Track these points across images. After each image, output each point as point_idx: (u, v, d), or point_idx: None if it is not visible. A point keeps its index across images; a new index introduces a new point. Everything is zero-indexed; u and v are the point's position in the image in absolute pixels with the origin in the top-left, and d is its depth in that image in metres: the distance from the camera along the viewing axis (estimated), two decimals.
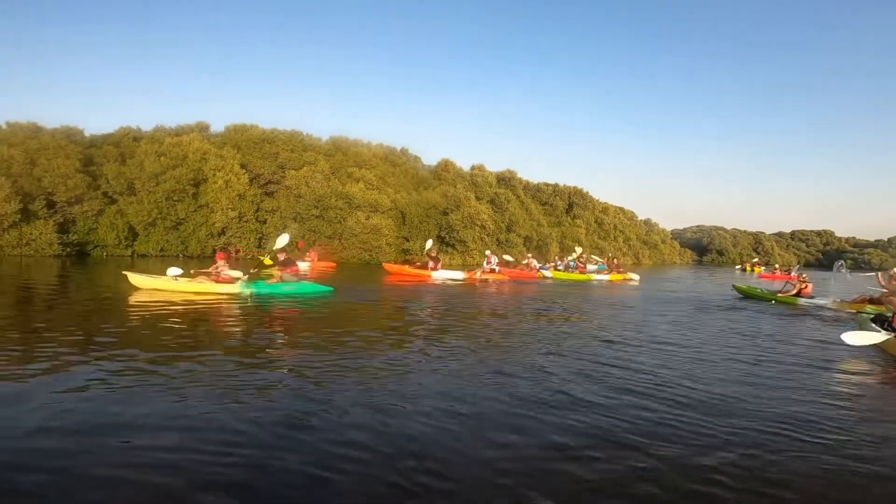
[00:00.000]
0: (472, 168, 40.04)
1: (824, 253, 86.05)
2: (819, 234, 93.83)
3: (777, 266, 32.75)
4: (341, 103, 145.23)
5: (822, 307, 14.49)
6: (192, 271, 12.06)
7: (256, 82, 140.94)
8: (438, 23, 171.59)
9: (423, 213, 31.86)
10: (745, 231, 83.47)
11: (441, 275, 19.61)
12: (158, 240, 26.01)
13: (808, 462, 4.09)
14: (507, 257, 25.69)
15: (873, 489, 3.71)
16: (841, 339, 8.23)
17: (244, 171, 28.31)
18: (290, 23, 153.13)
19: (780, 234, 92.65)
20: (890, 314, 8.96)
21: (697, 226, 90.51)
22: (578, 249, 28.18)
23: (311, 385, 5.33)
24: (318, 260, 23.60)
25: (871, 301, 11.35)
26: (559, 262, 24.88)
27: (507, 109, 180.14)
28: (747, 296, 17.42)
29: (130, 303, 10.36)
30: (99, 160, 27.17)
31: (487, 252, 23.13)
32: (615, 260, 27.16)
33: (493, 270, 21.26)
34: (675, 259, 62.16)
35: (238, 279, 11.81)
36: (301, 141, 33.28)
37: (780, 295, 16.14)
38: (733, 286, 19.17)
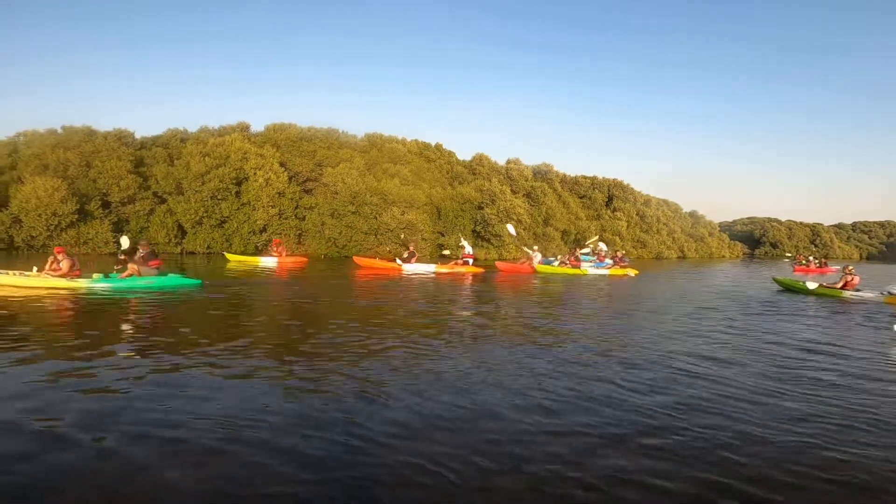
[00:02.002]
0: (508, 162, 39.67)
1: (888, 245, 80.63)
2: (882, 225, 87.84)
3: (811, 259, 30.75)
4: (376, 100, 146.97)
5: (867, 300, 13.77)
6: (34, 268, 11.27)
7: (294, 82, 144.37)
8: (474, 16, 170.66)
9: (458, 208, 31.84)
10: (801, 223, 79.03)
11: (412, 268, 19.26)
12: (205, 237, 27.06)
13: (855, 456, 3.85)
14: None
15: None
16: (893, 330, 8.36)
17: (283, 169, 29.05)
18: (325, 23, 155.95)
19: (839, 226, 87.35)
20: None
21: (749, 217, 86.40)
22: (594, 239, 26.57)
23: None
24: (287, 255, 23.01)
25: None
26: (569, 256, 22.43)
27: (544, 102, 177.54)
28: (788, 288, 16.58)
29: None
30: (149, 161, 28.50)
31: (463, 242, 21.78)
32: (618, 253, 24.49)
33: (465, 263, 20.21)
34: (724, 252, 59.53)
35: (69, 272, 11.12)
36: (337, 138, 33.85)
37: (825, 287, 15.42)
38: (773, 279, 18.38)
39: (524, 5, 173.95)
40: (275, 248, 22.82)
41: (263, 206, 27.41)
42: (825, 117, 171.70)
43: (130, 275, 11.67)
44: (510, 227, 25.33)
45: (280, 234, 28.48)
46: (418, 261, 20.18)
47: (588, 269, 21.19)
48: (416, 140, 38.03)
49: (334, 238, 27.80)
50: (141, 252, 12.09)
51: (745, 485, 3.35)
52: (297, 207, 29.24)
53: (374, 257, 22.66)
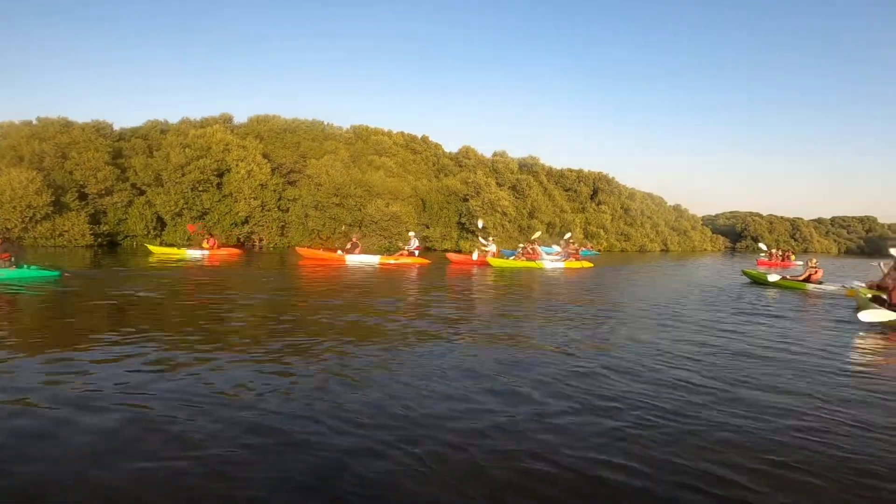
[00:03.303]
0: (494, 154, 39.67)
1: (866, 240, 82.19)
2: (861, 220, 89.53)
3: (773, 252, 30.87)
4: (363, 92, 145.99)
5: (829, 292, 14.20)
6: None
7: (279, 74, 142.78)
8: (461, 8, 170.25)
9: (443, 200, 31.76)
10: (781, 217, 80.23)
11: (356, 259, 19.02)
12: (185, 230, 26.61)
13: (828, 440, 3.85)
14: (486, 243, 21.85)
15: None
16: (857, 318, 8.99)
17: (266, 160, 28.67)
18: (312, 15, 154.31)
19: (819, 221, 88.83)
20: (885, 296, 10.17)
21: (731, 212, 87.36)
22: (537, 235, 26.26)
23: None
24: (219, 247, 21.49)
25: (879, 287, 11.04)
26: (523, 249, 21.55)
27: (531, 96, 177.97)
28: (756, 281, 16.98)
29: None
30: (127, 153, 27.93)
31: (410, 233, 21.37)
32: (573, 244, 23.78)
33: (411, 254, 19.93)
34: (707, 246, 60.21)
35: None
36: (322, 130, 33.55)
37: (789, 279, 15.84)
38: (743, 272, 18.79)
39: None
40: (205, 240, 21.30)
41: (245, 198, 27.05)
42: (807, 114, 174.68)
43: None
44: (479, 223, 25.36)
45: (263, 226, 28.14)
46: (362, 252, 19.88)
47: (544, 262, 20.57)
48: (402, 132, 37.83)
49: (318, 230, 27.55)
50: None
51: (696, 481, 3.23)
52: (280, 199, 28.91)
53: (319, 248, 22.22)
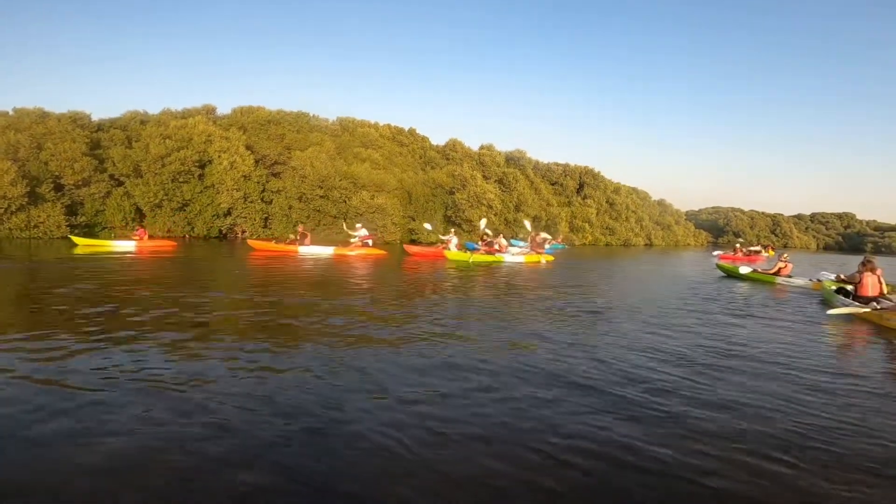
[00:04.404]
0: (481, 148, 39.57)
1: (845, 236, 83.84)
2: (840, 216, 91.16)
3: (737, 247, 31.27)
4: (351, 85, 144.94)
5: (797, 286, 14.61)
6: None
7: (265, 67, 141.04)
8: (453, 3, 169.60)
9: (429, 193, 31.61)
10: (762, 213, 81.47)
11: (308, 251, 18.74)
12: (165, 221, 26.13)
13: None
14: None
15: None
16: (824, 310, 9.46)
17: (250, 152, 28.24)
18: (297, 7, 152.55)
19: (799, 217, 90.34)
20: (850, 288, 10.53)
21: (714, 207, 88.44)
22: (527, 223, 25.72)
23: None
24: (150, 239, 19.97)
25: (844, 280, 11.50)
26: (482, 243, 21.01)
27: (520, 90, 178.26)
28: (729, 274, 17.43)
29: None
30: (106, 144, 27.33)
31: (358, 224, 20.95)
32: (538, 237, 22.82)
33: (365, 244, 19.58)
34: (690, 241, 60.90)
35: None
36: (307, 122, 33.19)
37: (759, 273, 16.32)
38: (716, 265, 19.19)
39: None
40: (135, 231, 19.83)
41: (227, 190, 26.64)
42: (804, 113, 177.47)
43: None
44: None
45: (245, 217, 27.73)
46: (312, 242, 19.45)
47: (505, 257, 19.83)
48: (388, 124, 37.57)
49: (301, 222, 27.24)
50: None
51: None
52: (263, 191, 28.53)
53: (270, 240, 21.76)
